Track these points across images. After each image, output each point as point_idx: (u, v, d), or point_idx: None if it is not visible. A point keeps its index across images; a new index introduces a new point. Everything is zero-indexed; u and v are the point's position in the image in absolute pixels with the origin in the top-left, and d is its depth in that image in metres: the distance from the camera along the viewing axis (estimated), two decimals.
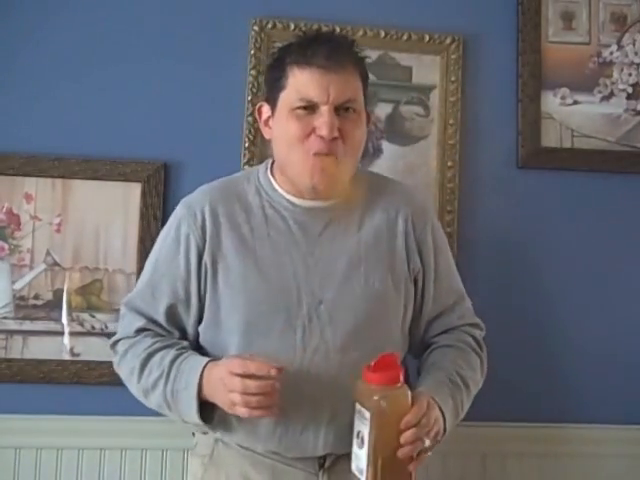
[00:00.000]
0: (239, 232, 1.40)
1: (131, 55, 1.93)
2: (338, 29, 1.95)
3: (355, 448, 1.23)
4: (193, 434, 1.52)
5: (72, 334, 1.87)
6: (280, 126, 1.37)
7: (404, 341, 1.47)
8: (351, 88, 1.35)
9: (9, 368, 1.85)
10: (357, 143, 1.38)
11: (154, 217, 1.90)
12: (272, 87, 1.39)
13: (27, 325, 1.86)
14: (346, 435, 1.27)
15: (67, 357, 1.87)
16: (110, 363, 1.84)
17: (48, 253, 1.87)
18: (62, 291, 1.87)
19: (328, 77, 1.33)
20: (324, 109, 1.32)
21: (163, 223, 1.89)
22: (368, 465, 1.19)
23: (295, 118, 1.34)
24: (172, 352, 1.37)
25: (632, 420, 1.98)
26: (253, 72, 1.94)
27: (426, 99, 1.99)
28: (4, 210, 1.88)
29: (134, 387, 1.42)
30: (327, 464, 1.38)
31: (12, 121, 1.89)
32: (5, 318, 1.86)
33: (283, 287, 1.37)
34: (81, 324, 1.87)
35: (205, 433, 1.45)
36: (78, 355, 1.87)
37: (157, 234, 1.84)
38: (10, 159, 1.87)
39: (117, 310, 1.86)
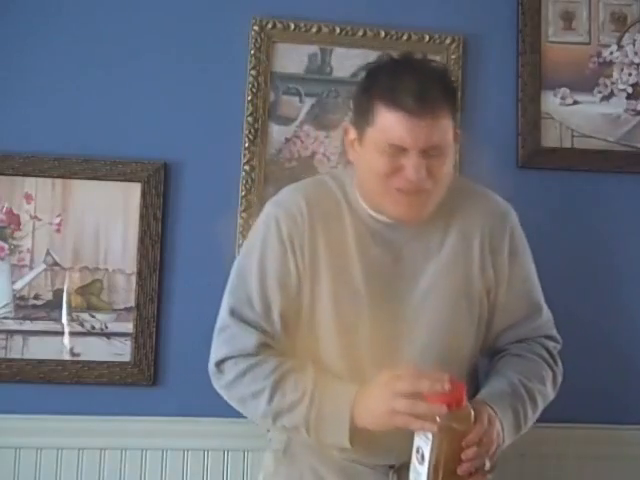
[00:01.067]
0: (332, 236, 1.38)
1: (131, 55, 1.92)
2: (338, 29, 1.96)
3: (415, 462, 1.23)
4: (268, 430, 1.52)
5: (72, 334, 1.87)
6: (367, 158, 1.33)
7: (475, 352, 1.46)
8: (440, 132, 1.29)
9: (9, 368, 1.85)
10: (444, 177, 1.34)
11: (154, 217, 1.90)
12: (359, 116, 1.34)
13: (27, 325, 1.86)
14: None
15: (67, 357, 1.86)
16: (110, 363, 1.86)
17: (48, 253, 1.87)
18: (62, 291, 1.87)
19: (417, 123, 1.26)
20: (412, 153, 1.28)
21: (163, 223, 1.91)
22: None
23: (382, 155, 1.30)
24: (310, 374, 1.33)
25: None
26: (253, 72, 1.94)
27: None
28: (4, 210, 1.88)
29: (258, 409, 1.34)
30: (397, 465, 1.38)
31: (12, 121, 1.89)
32: (5, 318, 1.86)
33: (370, 300, 1.36)
34: (81, 324, 1.87)
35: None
36: (78, 355, 1.87)
37: (157, 234, 1.88)
38: (10, 159, 1.87)
39: (117, 310, 1.88)
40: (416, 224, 1.38)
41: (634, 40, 2.06)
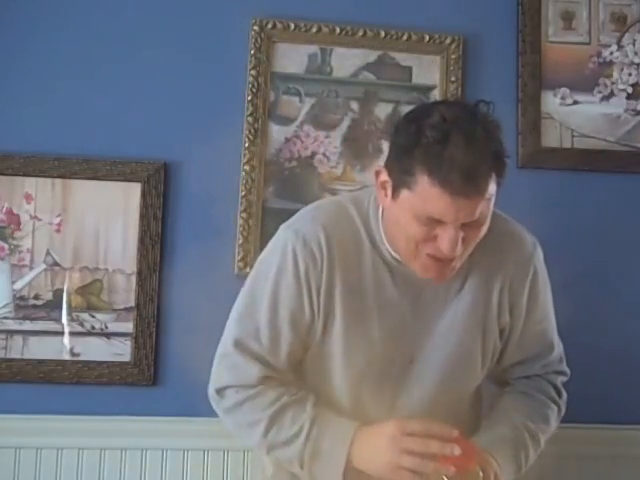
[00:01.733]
0: (350, 276, 1.31)
1: (131, 55, 1.92)
2: (338, 29, 1.96)
3: None
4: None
5: (72, 334, 1.87)
6: (398, 216, 1.24)
7: (481, 381, 1.45)
8: (484, 206, 1.20)
9: (9, 368, 1.85)
10: (478, 240, 1.27)
11: (154, 217, 1.89)
12: (397, 172, 1.22)
13: (27, 325, 1.86)
14: None
15: (67, 357, 1.86)
16: (110, 363, 1.86)
17: (48, 253, 1.87)
18: (62, 291, 1.87)
19: (462, 202, 1.16)
20: (450, 226, 1.19)
21: (163, 223, 1.91)
22: None
23: (417, 222, 1.21)
24: (308, 409, 1.29)
25: None
26: (253, 72, 1.94)
27: (426, 99, 1.99)
28: (4, 210, 1.88)
29: (252, 439, 1.32)
30: None
31: (12, 121, 1.89)
32: (5, 318, 1.86)
33: (383, 346, 1.32)
34: (81, 324, 1.87)
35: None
36: (78, 355, 1.87)
37: (157, 234, 1.88)
38: (10, 159, 1.87)
39: (117, 310, 1.88)
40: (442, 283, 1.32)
41: (634, 40, 2.06)
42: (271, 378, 1.32)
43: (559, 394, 1.46)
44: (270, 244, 1.38)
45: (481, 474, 1.23)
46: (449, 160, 1.14)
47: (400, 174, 1.21)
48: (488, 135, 1.19)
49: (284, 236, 1.34)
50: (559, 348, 1.48)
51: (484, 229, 1.25)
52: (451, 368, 1.35)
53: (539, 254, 1.44)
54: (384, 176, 1.26)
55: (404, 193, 1.20)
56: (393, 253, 1.32)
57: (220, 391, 1.34)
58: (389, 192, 1.25)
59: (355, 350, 1.32)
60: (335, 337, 1.32)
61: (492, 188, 1.21)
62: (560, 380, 1.48)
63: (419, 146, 1.17)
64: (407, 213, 1.21)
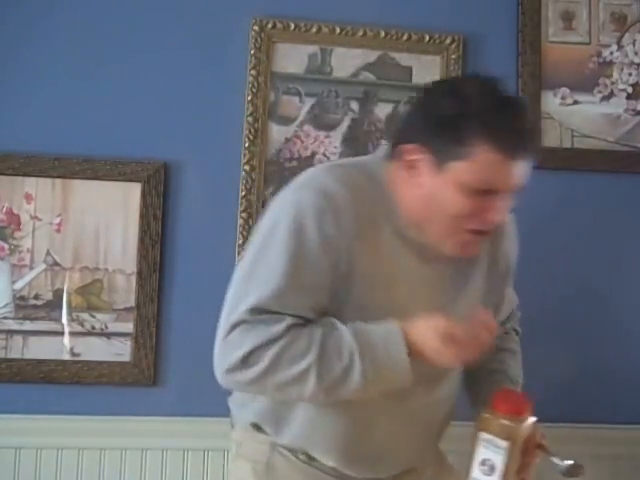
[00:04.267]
0: (372, 243, 1.24)
1: (131, 55, 1.92)
2: (338, 29, 1.96)
3: (479, 475, 1.25)
4: (232, 426, 1.42)
5: (72, 334, 1.87)
6: (438, 194, 1.20)
7: None
8: (527, 172, 1.22)
9: (9, 368, 1.85)
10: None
11: (154, 217, 1.89)
12: (443, 144, 1.18)
13: (27, 325, 1.86)
14: (418, 455, 1.35)
15: (67, 357, 1.86)
16: (110, 363, 1.86)
17: (48, 253, 1.87)
18: (62, 291, 1.87)
19: (518, 168, 1.18)
20: (501, 195, 1.19)
21: (163, 223, 1.91)
22: None
23: (468, 196, 1.18)
24: (344, 334, 1.19)
25: None
26: (253, 72, 1.94)
27: None
28: (4, 210, 1.88)
29: (305, 391, 1.19)
30: (385, 479, 1.36)
31: (12, 121, 1.89)
32: (5, 318, 1.86)
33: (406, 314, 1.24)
34: (81, 324, 1.87)
35: (258, 430, 1.33)
36: (78, 355, 1.87)
37: (157, 234, 1.88)
38: (10, 159, 1.87)
39: (117, 310, 1.88)
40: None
41: (634, 40, 2.06)
42: (296, 325, 1.21)
43: (520, 338, 1.55)
44: (280, 207, 1.28)
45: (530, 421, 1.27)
46: (508, 125, 1.15)
47: (447, 147, 1.17)
48: (524, 102, 1.28)
49: (305, 195, 1.24)
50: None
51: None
52: None
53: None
54: (416, 154, 1.21)
55: (454, 166, 1.17)
56: (410, 230, 1.26)
57: (247, 358, 1.19)
58: (426, 169, 1.21)
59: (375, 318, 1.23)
60: (355, 302, 1.24)
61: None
62: (517, 324, 1.56)
63: (471, 115, 1.16)
64: (453, 187, 1.18)
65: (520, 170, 1.19)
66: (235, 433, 1.42)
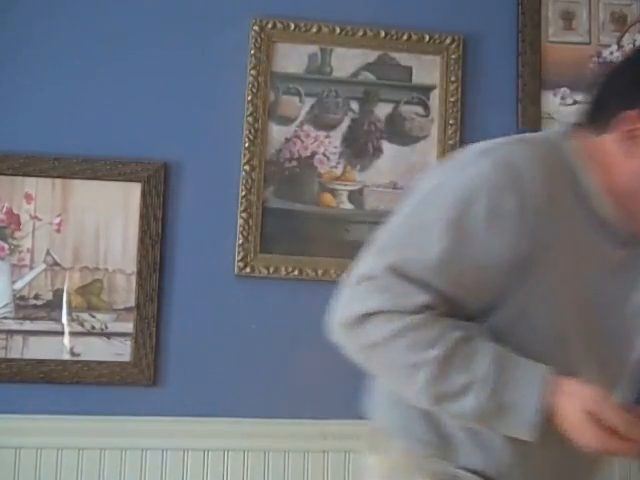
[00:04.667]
0: (566, 233, 1.08)
1: (131, 55, 1.93)
2: (338, 29, 1.96)
3: None
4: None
5: (72, 334, 1.87)
6: None
7: None
8: None
9: (9, 368, 1.84)
10: None
11: (154, 217, 1.89)
12: None
13: (27, 325, 1.86)
14: None
15: (67, 357, 1.86)
16: (110, 363, 1.86)
17: (48, 253, 1.87)
18: (62, 291, 1.87)
19: None
20: None
21: (163, 223, 1.90)
22: None
23: None
24: (488, 350, 1.03)
25: None
26: (253, 72, 1.94)
27: (426, 99, 1.99)
28: (4, 210, 1.88)
29: (414, 384, 1.04)
30: None
31: (12, 121, 1.89)
32: (5, 318, 1.86)
33: (586, 314, 1.12)
34: (81, 324, 1.87)
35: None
36: (78, 355, 1.87)
37: (157, 234, 1.88)
38: (10, 159, 1.87)
39: (117, 310, 1.88)
40: None
41: (634, 40, 2.06)
42: (435, 309, 1.05)
43: None
44: (460, 169, 1.11)
45: None
46: None
47: None
48: None
49: (484, 166, 1.07)
50: None
51: None
52: (631, 347, 1.19)
53: None
54: (638, 121, 1.05)
55: None
56: (610, 220, 1.11)
57: (367, 317, 1.04)
58: None
59: (563, 310, 1.10)
60: (539, 293, 1.08)
61: None
62: None
63: None
64: None
65: None
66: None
